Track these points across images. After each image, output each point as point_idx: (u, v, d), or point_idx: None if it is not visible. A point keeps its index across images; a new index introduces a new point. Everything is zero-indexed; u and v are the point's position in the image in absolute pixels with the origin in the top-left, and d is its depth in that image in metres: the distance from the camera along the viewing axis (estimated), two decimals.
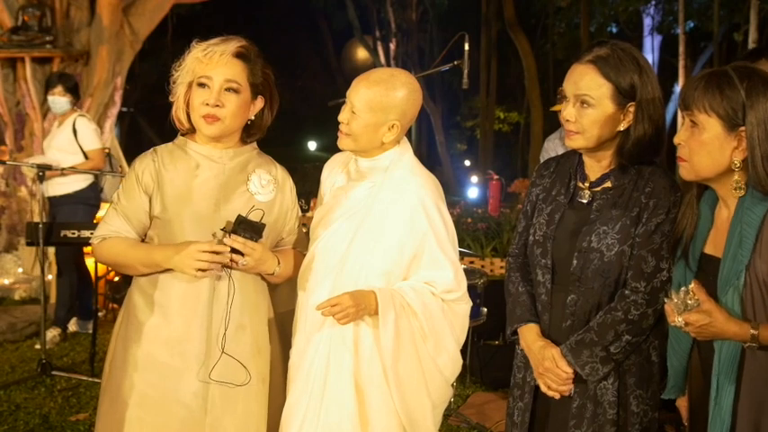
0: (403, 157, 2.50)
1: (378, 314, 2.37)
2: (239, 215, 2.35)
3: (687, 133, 2.05)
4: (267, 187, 2.49)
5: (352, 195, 2.48)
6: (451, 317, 2.48)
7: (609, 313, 2.27)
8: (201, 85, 2.39)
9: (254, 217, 2.37)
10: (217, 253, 2.30)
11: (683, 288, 1.96)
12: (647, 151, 2.30)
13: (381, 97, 2.39)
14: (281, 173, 2.56)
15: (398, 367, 2.39)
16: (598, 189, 2.37)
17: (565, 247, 2.35)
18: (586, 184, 2.39)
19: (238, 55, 2.40)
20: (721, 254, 2.03)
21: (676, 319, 1.95)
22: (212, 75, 2.37)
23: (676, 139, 2.08)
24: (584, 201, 2.38)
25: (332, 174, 2.61)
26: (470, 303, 2.55)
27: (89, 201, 5.96)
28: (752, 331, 1.92)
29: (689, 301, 1.94)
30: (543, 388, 2.37)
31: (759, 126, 1.96)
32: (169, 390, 2.35)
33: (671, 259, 2.23)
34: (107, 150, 6.26)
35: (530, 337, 2.41)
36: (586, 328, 2.29)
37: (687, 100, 2.04)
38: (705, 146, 2.02)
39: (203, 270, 2.30)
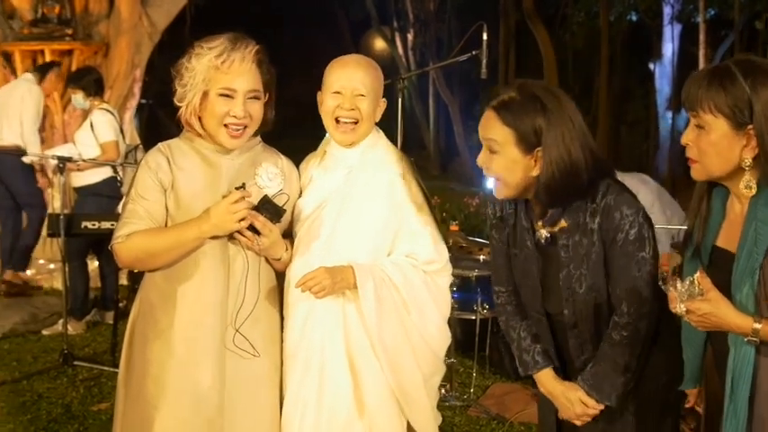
0: (379, 141, 2.55)
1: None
2: (265, 195, 2.35)
3: (694, 134, 1.98)
4: (275, 180, 2.48)
5: (330, 182, 2.50)
6: (434, 289, 2.48)
7: (608, 341, 2.24)
8: (224, 95, 2.35)
9: (278, 201, 2.37)
10: (245, 199, 2.29)
11: (688, 277, 1.93)
12: (561, 194, 2.19)
13: (378, 77, 2.49)
14: (286, 164, 2.56)
15: (384, 339, 2.40)
16: (555, 229, 2.28)
17: (552, 299, 2.33)
18: (540, 224, 2.30)
19: (257, 61, 2.38)
20: (734, 247, 1.98)
21: (678, 307, 1.92)
22: (236, 87, 2.34)
23: (684, 140, 2.01)
24: (543, 241, 2.30)
25: (308, 167, 2.61)
26: (451, 277, 2.56)
27: (107, 193, 5.98)
28: (754, 325, 1.88)
29: (694, 290, 1.90)
30: (577, 422, 2.35)
31: (767, 122, 1.89)
32: (188, 384, 2.36)
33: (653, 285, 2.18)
34: (138, 144, 6.32)
35: (548, 383, 2.39)
36: (596, 359, 2.27)
37: (691, 101, 1.96)
38: (714, 146, 1.94)
39: (243, 219, 2.29)
